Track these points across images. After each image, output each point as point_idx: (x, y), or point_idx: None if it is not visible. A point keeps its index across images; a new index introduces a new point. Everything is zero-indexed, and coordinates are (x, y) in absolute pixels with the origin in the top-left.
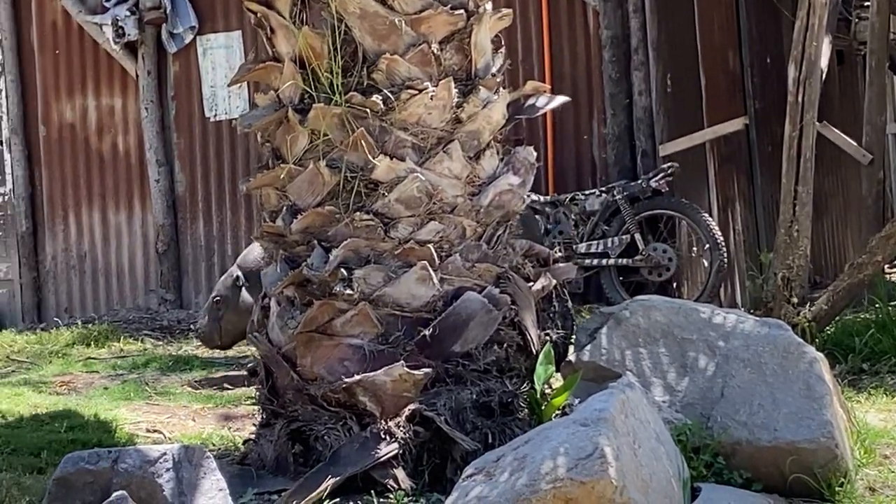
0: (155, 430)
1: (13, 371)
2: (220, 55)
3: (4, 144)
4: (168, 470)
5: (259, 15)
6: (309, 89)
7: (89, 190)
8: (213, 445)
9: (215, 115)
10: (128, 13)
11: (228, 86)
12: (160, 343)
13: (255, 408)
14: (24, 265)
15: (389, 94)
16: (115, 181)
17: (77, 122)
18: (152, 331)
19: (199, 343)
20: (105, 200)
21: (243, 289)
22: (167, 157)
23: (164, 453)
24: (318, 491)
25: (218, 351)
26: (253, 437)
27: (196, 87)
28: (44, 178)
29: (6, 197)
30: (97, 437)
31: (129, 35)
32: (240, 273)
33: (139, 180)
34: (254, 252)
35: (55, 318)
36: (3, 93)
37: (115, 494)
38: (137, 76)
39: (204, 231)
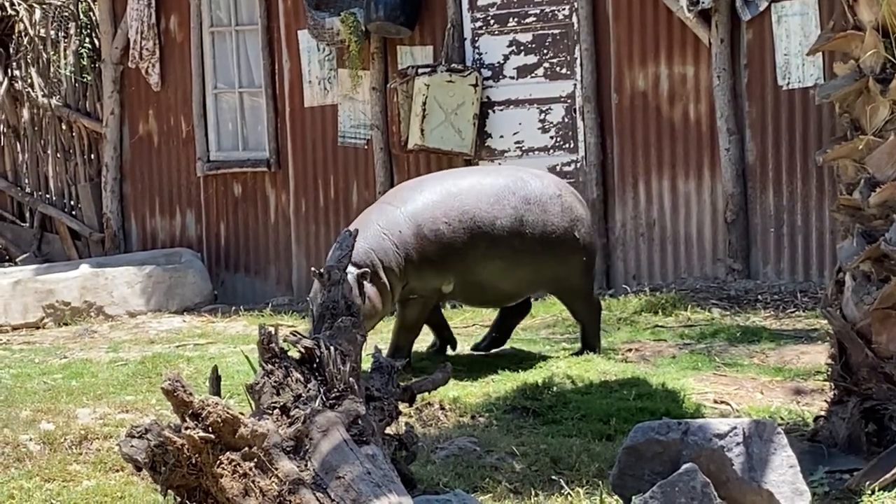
0: (722, 402)
1: None
2: (794, 22)
3: (578, 112)
4: (738, 444)
5: None
6: (892, 58)
7: (659, 158)
8: (782, 420)
9: (788, 84)
10: None
11: (807, 54)
12: (727, 313)
13: (826, 383)
14: (595, 231)
15: None
16: (685, 149)
17: (649, 90)
18: (719, 300)
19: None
20: (674, 169)
21: (366, 284)
22: (738, 125)
23: (735, 427)
24: (893, 472)
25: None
26: (824, 413)
27: (769, 55)
28: (615, 146)
29: (578, 164)
30: (664, 407)
31: (703, 3)
32: (359, 269)
33: (709, 149)
34: (360, 244)
35: (623, 285)
36: (578, 61)
37: (684, 466)
38: (710, 44)
39: (773, 201)
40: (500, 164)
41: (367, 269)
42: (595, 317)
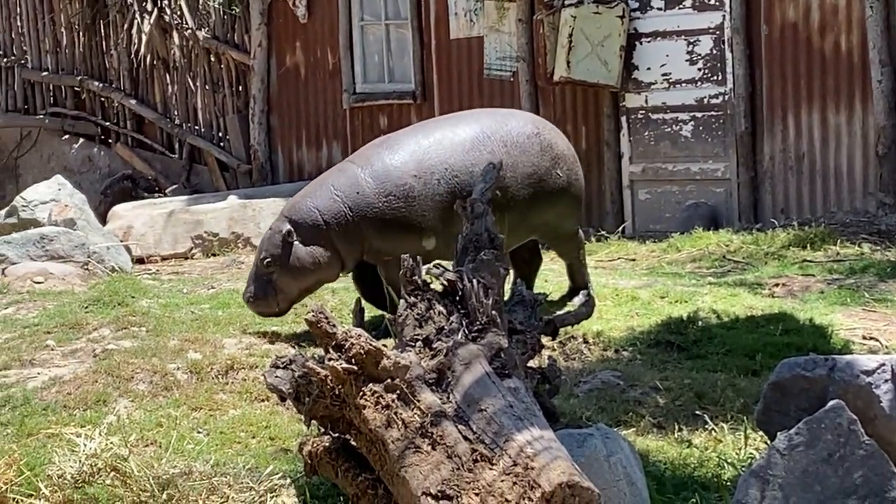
0: (871, 338)
1: (729, 271)
2: None
3: (726, 44)
4: (886, 381)
5: None
6: None
7: (809, 90)
8: None
9: None
10: None
11: None
12: (878, 248)
13: None
14: (742, 165)
15: None
16: (836, 81)
17: (799, 20)
18: (869, 235)
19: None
20: (825, 101)
21: (295, 244)
22: (891, 57)
23: (883, 364)
24: None
25: None
26: None
27: None
28: (764, 78)
29: (726, 96)
30: (811, 342)
31: None
32: (289, 226)
33: (860, 81)
34: (307, 201)
35: (771, 219)
36: None
37: (830, 403)
38: None
39: None
40: (646, 97)
41: (290, 229)
42: (580, 253)
